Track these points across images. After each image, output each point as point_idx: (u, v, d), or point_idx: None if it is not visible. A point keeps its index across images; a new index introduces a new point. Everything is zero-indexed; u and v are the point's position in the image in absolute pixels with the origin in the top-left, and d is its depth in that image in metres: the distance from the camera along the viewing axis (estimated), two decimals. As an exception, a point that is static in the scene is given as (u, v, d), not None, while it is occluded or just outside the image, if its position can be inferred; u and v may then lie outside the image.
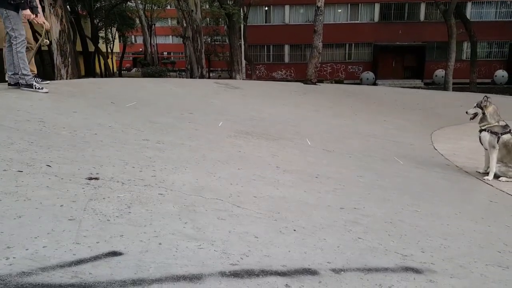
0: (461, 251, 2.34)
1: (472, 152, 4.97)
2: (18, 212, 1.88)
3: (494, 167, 4.64)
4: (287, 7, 29.94)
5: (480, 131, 4.81)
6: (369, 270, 1.89)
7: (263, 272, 1.73)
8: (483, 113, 4.78)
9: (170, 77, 24.91)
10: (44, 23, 5.35)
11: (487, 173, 4.68)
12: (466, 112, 5.05)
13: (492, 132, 4.67)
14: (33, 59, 5.52)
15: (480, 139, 4.82)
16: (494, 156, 4.64)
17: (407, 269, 1.97)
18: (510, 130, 4.67)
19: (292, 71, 30.44)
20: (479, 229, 2.83)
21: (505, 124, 4.75)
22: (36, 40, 5.68)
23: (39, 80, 5.69)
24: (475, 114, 4.89)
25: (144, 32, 35.40)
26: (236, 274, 1.67)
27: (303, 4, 29.49)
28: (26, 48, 5.37)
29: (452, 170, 4.93)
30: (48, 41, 5.83)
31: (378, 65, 29.11)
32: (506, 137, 4.62)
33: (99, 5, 26.81)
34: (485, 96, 4.89)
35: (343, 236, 2.28)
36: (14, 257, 1.52)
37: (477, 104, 4.88)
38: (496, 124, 4.72)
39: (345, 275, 1.82)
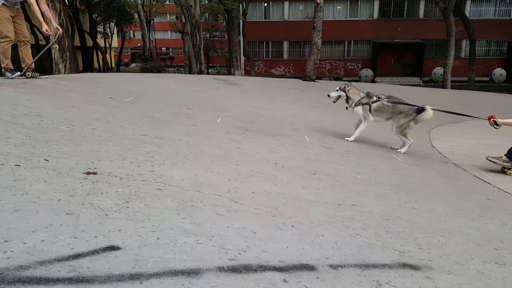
0: (458, 248, 2.35)
1: (470, 149, 4.99)
2: (16, 206, 1.87)
3: (359, 133, 5.46)
4: (286, 3, 29.87)
5: (353, 108, 5.53)
6: (367, 266, 1.90)
7: (261, 267, 1.73)
8: (347, 95, 5.51)
9: (168, 72, 24.84)
10: (57, 28, 5.62)
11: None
12: (328, 95, 5.69)
13: (363, 104, 5.40)
14: (30, 53, 5.51)
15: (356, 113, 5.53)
16: (365, 125, 5.45)
17: (405, 265, 1.98)
18: (378, 98, 5.37)
19: (291, 68, 30.41)
20: (476, 226, 2.84)
21: (365, 94, 5.47)
22: (35, 35, 5.72)
23: (37, 74, 5.67)
24: (338, 97, 5.59)
25: (142, 27, 35.24)
26: (234, 269, 1.67)
27: (302, 0, 29.42)
28: (22, 42, 5.38)
29: (450, 168, 4.94)
30: (57, 46, 5.98)
31: (377, 63, 29.12)
32: (375, 104, 5.35)
33: (97, 0, 26.66)
34: (348, 82, 5.68)
35: (341, 232, 2.29)
36: (11, 251, 1.51)
37: (339, 88, 5.57)
38: (360, 97, 5.45)
39: (343, 271, 1.82)
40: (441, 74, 23.85)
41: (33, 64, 5.55)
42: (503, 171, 4.84)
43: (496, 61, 29.30)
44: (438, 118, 7.95)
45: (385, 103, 5.34)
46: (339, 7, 29.57)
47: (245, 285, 1.57)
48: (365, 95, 5.47)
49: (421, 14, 29.29)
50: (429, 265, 2.03)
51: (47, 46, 5.70)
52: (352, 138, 5.44)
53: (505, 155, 4.77)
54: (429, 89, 17.09)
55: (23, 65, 5.50)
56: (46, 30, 5.51)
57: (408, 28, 28.53)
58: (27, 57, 5.47)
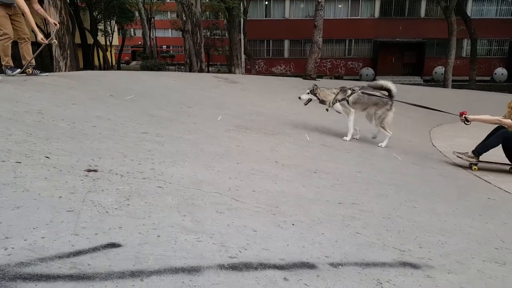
0: (458, 247, 2.35)
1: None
2: (17, 203, 1.87)
3: (351, 127, 5.43)
4: (287, 2, 29.81)
5: (332, 107, 5.58)
6: (367, 265, 1.90)
7: (262, 265, 1.73)
8: (318, 98, 5.56)
9: (169, 70, 24.83)
10: (55, 23, 5.65)
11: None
12: (299, 98, 5.73)
13: (340, 101, 5.47)
14: (30, 50, 5.52)
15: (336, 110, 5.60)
16: (351, 118, 5.44)
17: (405, 264, 1.98)
18: (352, 90, 5.45)
19: (291, 66, 30.36)
20: (477, 226, 2.84)
21: (338, 90, 5.56)
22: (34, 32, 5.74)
23: (37, 71, 5.67)
24: (309, 100, 5.62)
25: (143, 25, 35.20)
26: (234, 267, 1.67)
27: (303, -1, 29.37)
28: (23, 39, 5.39)
29: (450, 167, 4.94)
30: (56, 42, 6.06)
31: (378, 61, 29.05)
32: (352, 97, 5.42)
33: (98, -3, 26.61)
34: (314, 85, 5.70)
35: (341, 230, 2.29)
36: (12, 248, 1.51)
37: (310, 91, 5.59)
38: (334, 94, 5.52)
39: (343, 269, 1.82)
40: (442, 73, 23.79)
41: (33, 61, 5.55)
42: (470, 166, 4.95)
43: (497, 61, 29.23)
44: (439, 118, 7.95)
45: (360, 94, 5.44)
46: (340, 6, 29.49)
47: (245, 283, 1.57)
48: (338, 91, 5.56)
49: (423, 13, 29.21)
50: (430, 264, 2.03)
51: (47, 42, 5.72)
52: (348, 137, 5.47)
53: (472, 151, 4.90)
54: (430, 88, 17.06)
55: (23, 62, 5.50)
56: (42, 39, 5.61)
57: (409, 27, 28.45)
58: (28, 54, 5.47)
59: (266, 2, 29.97)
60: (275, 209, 2.44)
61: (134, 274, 1.49)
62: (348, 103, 5.46)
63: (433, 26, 27.24)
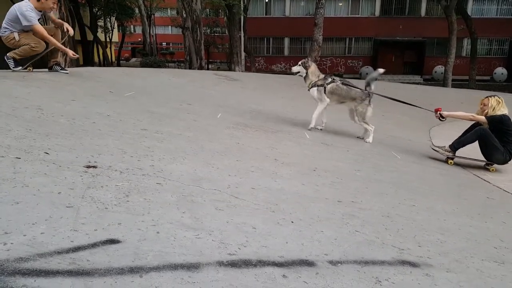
0: (457, 246, 2.35)
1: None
2: (16, 198, 1.87)
3: (316, 116, 5.49)
4: (287, 0, 29.75)
5: (308, 89, 5.60)
6: (366, 263, 1.90)
7: (261, 262, 1.73)
8: (306, 72, 5.54)
9: (168, 67, 24.79)
10: (68, 29, 5.62)
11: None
12: (291, 69, 5.82)
13: (318, 86, 5.47)
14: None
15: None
16: (320, 107, 5.50)
17: (404, 262, 1.98)
18: (333, 79, 5.51)
19: (291, 64, 30.17)
20: (476, 225, 2.84)
21: (324, 76, 5.58)
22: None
23: (58, 68, 5.70)
24: (297, 72, 5.64)
25: (143, 22, 35.08)
26: (233, 264, 1.67)
27: (304, -4, 29.32)
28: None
29: (450, 166, 4.94)
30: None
31: (378, 60, 29.01)
32: (330, 86, 5.45)
33: (98, -6, 26.53)
34: (307, 57, 5.76)
35: (340, 228, 2.29)
36: (11, 243, 1.51)
37: (302, 63, 5.60)
38: (317, 79, 5.52)
39: (342, 267, 1.82)
40: (442, 73, 23.79)
41: (59, 59, 5.56)
42: (447, 161, 5.04)
43: (497, 60, 29.22)
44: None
45: (340, 85, 5.46)
46: (341, 4, 29.45)
47: (244, 280, 1.57)
48: (323, 77, 5.57)
49: (423, 12, 29.18)
50: (429, 262, 2.03)
51: (76, 56, 5.71)
52: (312, 125, 5.49)
53: (449, 145, 5.01)
54: (430, 88, 17.05)
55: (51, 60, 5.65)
56: (73, 55, 5.56)
57: (409, 26, 28.42)
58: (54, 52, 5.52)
59: (267, 0, 29.91)
60: (274, 206, 2.44)
61: (133, 270, 1.49)
62: (324, 91, 5.46)
63: (434, 25, 27.23)
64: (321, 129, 5.64)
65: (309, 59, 5.67)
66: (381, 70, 5.57)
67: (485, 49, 29.06)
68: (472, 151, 5.01)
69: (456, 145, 4.98)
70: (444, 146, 5.05)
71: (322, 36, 14.57)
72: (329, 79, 5.50)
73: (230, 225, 2.05)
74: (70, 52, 5.49)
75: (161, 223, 1.92)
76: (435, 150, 5.12)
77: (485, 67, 28.40)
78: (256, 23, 28.70)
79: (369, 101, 5.43)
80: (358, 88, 5.46)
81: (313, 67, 5.58)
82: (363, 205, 2.79)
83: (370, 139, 5.42)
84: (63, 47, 5.45)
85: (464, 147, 4.97)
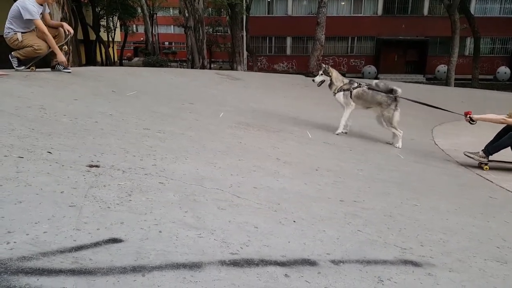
0: (460, 245, 2.35)
1: (472, 147, 4.98)
2: (19, 197, 1.87)
3: (344, 121, 5.53)
4: (290, -1, 29.71)
5: (334, 94, 5.61)
6: (368, 262, 1.90)
7: (263, 261, 1.73)
8: (331, 79, 5.56)
9: (171, 67, 24.81)
10: (69, 30, 5.68)
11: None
12: (313, 80, 5.76)
13: (344, 91, 5.50)
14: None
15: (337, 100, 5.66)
16: (347, 112, 5.53)
17: (406, 262, 1.98)
18: (359, 84, 5.51)
19: (294, 64, 30.27)
20: (478, 224, 2.84)
21: (348, 80, 5.62)
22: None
23: (61, 67, 5.72)
24: (322, 81, 5.64)
25: (145, 22, 35.08)
26: (235, 263, 1.67)
27: (306, -5, 29.26)
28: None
29: (452, 166, 4.93)
30: (66, 47, 6.07)
31: (380, 59, 28.95)
32: (356, 91, 5.46)
33: (100, -7, 26.57)
34: (325, 64, 5.80)
35: (342, 228, 2.29)
36: (14, 242, 1.52)
37: (323, 72, 5.61)
38: (342, 84, 5.54)
39: (344, 266, 1.82)
40: (444, 72, 23.69)
41: (62, 58, 5.55)
42: (480, 166, 4.93)
43: (500, 59, 29.07)
44: (442, 116, 7.93)
45: (366, 89, 5.46)
46: (343, 3, 29.37)
47: (246, 279, 1.57)
48: (347, 81, 5.58)
49: (426, 11, 29.05)
50: (431, 262, 2.03)
51: (60, 44, 5.71)
52: (339, 130, 5.50)
53: (482, 150, 4.88)
54: (432, 87, 17.01)
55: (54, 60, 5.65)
56: (63, 62, 5.61)
57: (412, 25, 28.31)
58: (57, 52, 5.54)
59: (269, -1, 29.88)
60: (276, 206, 2.44)
61: (136, 269, 1.49)
62: (351, 95, 5.46)
63: (436, 24, 27.12)
64: (345, 133, 5.64)
65: (326, 66, 5.67)
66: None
67: (488, 48, 28.92)
68: (500, 154, 4.92)
69: (491, 151, 4.82)
70: (478, 152, 4.88)
71: (325, 35, 14.56)
72: (355, 84, 5.49)
73: (232, 225, 2.05)
74: (62, 57, 5.50)
75: (163, 222, 1.92)
76: (469, 156, 4.93)
77: (488, 66, 28.27)
78: (258, 22, 28.66)
79: (396, 105, 5.39)
80: (384, 94, 5.42)
81: (335, 73, 5.59)
82: (365, 205, 2.79)
83: (399, 144, 5.36)
84: (58, 49, 5.46)
85: (498, 152, 4.81)
